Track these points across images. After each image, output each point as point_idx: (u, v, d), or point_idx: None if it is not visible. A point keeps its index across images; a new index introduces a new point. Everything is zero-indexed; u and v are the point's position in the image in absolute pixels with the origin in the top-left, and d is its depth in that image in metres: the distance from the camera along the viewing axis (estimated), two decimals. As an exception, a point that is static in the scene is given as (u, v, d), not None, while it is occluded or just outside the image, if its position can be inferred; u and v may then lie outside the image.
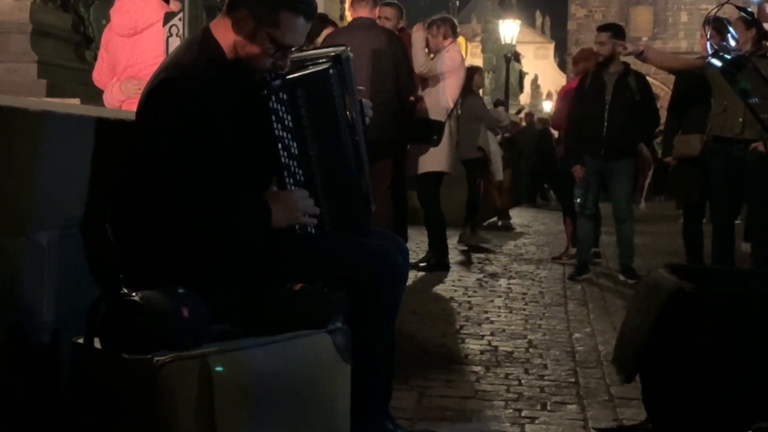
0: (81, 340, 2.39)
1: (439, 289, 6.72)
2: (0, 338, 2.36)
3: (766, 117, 2.96)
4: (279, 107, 2.84)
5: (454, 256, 8.31)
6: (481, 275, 7.52)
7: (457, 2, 43.16)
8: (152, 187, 2.68)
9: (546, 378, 4.34)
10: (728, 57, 2.76)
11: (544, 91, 51.44)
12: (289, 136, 2.86)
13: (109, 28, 5.32)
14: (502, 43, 28.14)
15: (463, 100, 10.21)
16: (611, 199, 7.48)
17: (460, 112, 10.58)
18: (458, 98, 7.69)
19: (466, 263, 8.25)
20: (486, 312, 5.87)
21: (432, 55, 7.67)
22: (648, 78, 7.77)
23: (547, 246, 10.26)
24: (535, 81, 49.12)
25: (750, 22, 6.00)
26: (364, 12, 7.04)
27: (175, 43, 4.56)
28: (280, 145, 2.84)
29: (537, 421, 3.68)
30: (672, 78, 7.22)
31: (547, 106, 49.38)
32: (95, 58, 6.25)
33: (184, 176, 2.64)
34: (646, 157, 7.49)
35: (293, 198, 2.82)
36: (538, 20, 61.04)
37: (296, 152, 2.88)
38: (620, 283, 7.28)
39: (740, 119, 5.94)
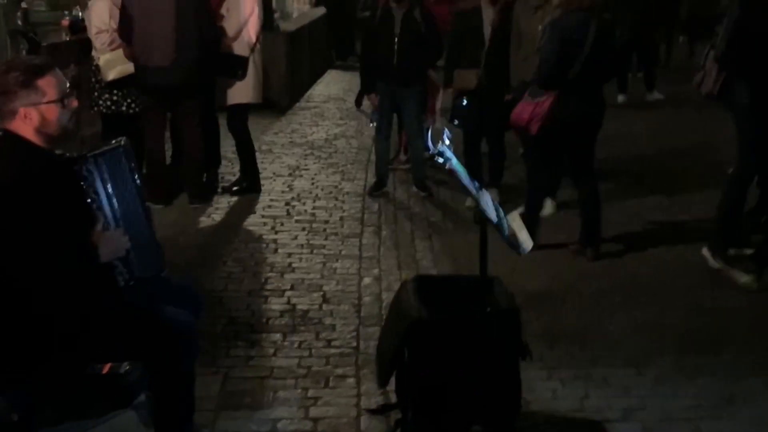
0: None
1: (250, 223, 7.45)
2: None
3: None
4: (88, 175, 3.54)
5: (265, 166, 8.98)
6: (289, 196, 8.25)
7: None
8: None
9: (332, 344, 5.21)
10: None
11: None
12: (99, 197, 3.59)
13: None
14: None
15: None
16: (404, 120, 8.32)
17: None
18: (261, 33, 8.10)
19: (279, 176, 8.91)
20: (289, 255, 6.66)
21: None
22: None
23: (357, 137, 10.93)
24: None
25: None
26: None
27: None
28: (94, 205, 3.55)
29: (319, 402, 4.54)
30: None
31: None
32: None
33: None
34: (435, 83, 8.34)
35: (115, 236, 3.55)
36: None
37: (107, 209, 3.60)
38: (413, 197, 8.23)
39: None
